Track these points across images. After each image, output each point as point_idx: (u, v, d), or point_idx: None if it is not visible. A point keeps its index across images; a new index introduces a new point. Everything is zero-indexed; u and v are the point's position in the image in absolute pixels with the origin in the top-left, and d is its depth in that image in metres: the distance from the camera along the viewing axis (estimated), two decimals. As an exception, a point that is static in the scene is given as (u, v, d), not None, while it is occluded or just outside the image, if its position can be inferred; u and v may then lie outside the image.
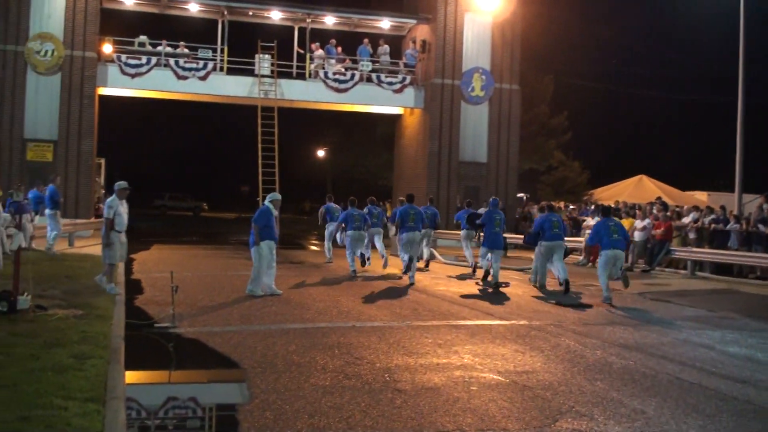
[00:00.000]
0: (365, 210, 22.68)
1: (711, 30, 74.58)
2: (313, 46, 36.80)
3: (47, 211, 23.28)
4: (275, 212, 16.71)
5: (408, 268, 19.67)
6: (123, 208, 15.43)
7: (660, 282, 21.97)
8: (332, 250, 25.01)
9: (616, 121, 75.94)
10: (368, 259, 22.59)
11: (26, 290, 11.90)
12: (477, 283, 20.05)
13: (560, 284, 18.41)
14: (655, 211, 26.75)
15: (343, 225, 21.88)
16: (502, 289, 18.84)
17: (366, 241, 22.27)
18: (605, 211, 18.41)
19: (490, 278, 19.59)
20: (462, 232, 24.12)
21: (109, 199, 15.47)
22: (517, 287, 19.35)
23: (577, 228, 31.16)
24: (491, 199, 21.70)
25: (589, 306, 16.52)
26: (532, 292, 18.52)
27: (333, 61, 36.79)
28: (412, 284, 19.15)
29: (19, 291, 11.56)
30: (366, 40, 37.80)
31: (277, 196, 17.12)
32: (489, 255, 19.73)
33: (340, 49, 37.59)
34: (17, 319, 10.98)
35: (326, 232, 25.05)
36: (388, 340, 11.43)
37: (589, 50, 79.83)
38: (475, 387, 8.87)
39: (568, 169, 48.76)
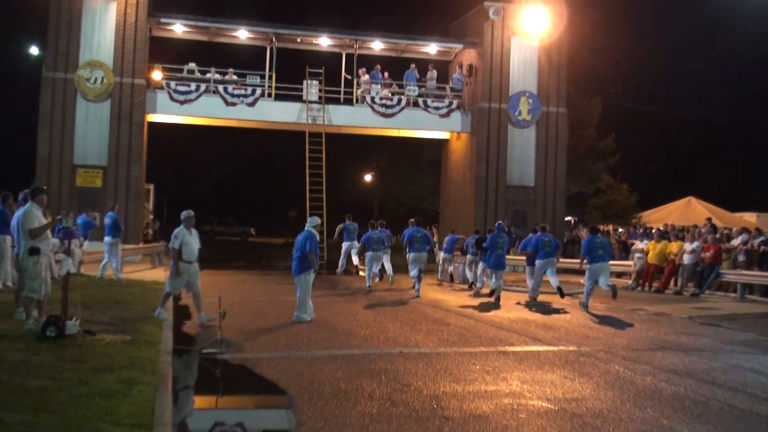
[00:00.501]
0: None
1: (759, 49, 73.85)
2: (361, 71, 36.96)
3: (108, 239, 23.33)
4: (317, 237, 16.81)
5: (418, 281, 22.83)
6: (192, 237, 15.49)
7: (709, 305, 21.65)
8: (345, 266, 28.17)
9: (663, 143, 75.31)
10: (391, 276, 25.93)
11: (74, 315, 12.00)
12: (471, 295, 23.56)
13: (556, 290, 21.64)
14: (704, 231, 26.46)
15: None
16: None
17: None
18: (593, 230, 21.57)
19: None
20: (467, 257, 26.33)
21: (176, 230, 15.51)
22: (567, 312, 19.18)
23: (626, 251, 30.89)
24: (497, 224, 24.42)
25: (564, 311, 19.53)
26: (582, 317, 18.32)
27: (379, 87, 36.88)
28: (417, 297, 21.83)
29: (67, 316, 11.65)
30: (413, 65, 37.87)
31: (318, 220, 17.12)
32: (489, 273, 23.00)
33: (386, 74, 37.69)
34: (66, 344, 11.06)
35: (342, 249, 27.86)
36: (435, 367, 11.35)
37: (636, 71, 79.39)
38: (523, 415, 8.77)
39: (616, 192, 48.37)
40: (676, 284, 25.70)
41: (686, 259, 25.16)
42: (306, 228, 16.73)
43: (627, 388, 10.26)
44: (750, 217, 42.22)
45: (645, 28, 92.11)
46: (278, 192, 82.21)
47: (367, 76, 36.80)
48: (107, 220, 23.70)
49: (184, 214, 15.68)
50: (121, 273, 23.22)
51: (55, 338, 11.24)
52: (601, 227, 37.37)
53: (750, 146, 72.88)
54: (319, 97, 35.83)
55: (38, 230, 12.24)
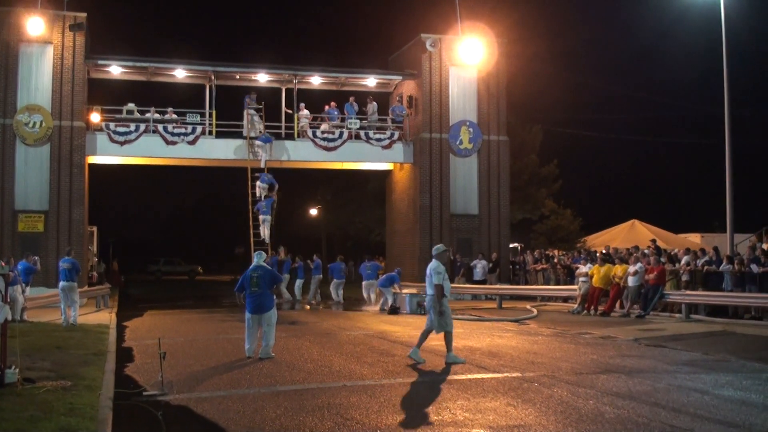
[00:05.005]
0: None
1: (697, 73, 75.24)
2: (301, 106, 36.95)
3: (65, 284, 22.65)
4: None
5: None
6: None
7: (654, 327, 21.83)
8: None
9: (606, 168, 76.35)
10: None
11: (14, 363, 11.82)
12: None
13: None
14: (647, 252, 26.75)
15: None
16: None
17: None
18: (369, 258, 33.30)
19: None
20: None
21: (434, 265, 15.18)
22: (511, 339, 19.25)
23: (570, 276, 31.13)
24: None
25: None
26: (527, 343, 18.38)
27: (334, 120, 36.95)
28: None
29: (6, 364, 11.47)
30: (352, 98, 38.03)
31: (263, 255, 17.06)
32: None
33: (334, 104, 37.73)
34: (4, 394, 10.88)
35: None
36: (378, 399, 11.32)
37: (575, 98, 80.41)
38: (465, 443, 8.77)
39: (561, 218, 48.85)
40: (621, 307, 25.89)
41: (630, 281, 25.36)
42: (258, 263, 16.48)
43: (570, 413, 10.30)
44: (694, 238, 42.78)
45: (582, 56, 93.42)
46: (224, 229, 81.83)
47: (306, 111, 36.84)
48: (65, 265, 23.12)
49: (438, 248, 15.48)
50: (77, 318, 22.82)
51: (-7, 388, 11.07)
52: (547, 252, 37.70)
53: (694, 168, 74.09)
54: (260, 133, 35.74)
55: None
